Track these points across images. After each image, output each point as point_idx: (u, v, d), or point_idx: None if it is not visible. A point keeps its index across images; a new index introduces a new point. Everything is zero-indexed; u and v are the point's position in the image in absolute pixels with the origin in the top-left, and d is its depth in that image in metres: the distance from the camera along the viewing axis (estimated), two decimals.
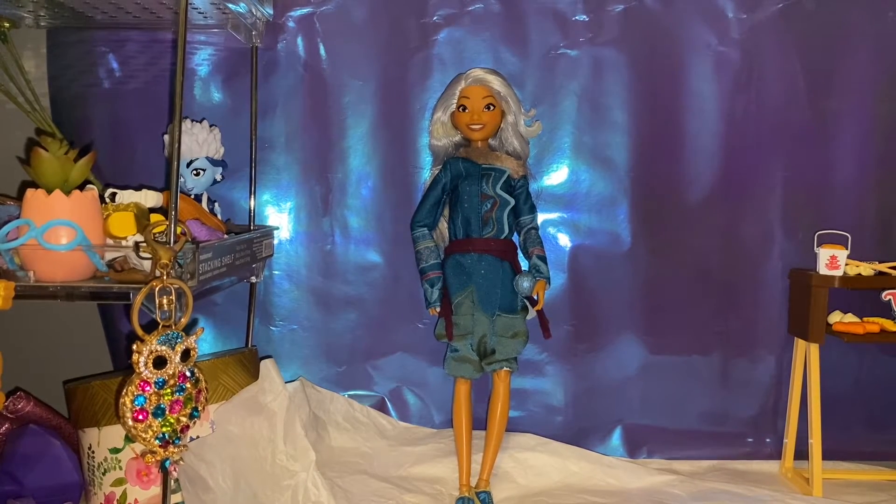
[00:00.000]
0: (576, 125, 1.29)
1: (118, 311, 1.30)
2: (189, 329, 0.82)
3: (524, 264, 1.23)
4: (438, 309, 1.20)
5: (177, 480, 0.97)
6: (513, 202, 1.20)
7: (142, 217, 0.90)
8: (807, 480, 1.23)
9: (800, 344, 1.26)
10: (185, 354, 0.81)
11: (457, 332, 1.18)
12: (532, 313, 1.20)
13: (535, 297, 1.19)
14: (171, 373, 0.79)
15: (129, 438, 1.00)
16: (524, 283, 1.17)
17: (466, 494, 1.18)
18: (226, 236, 1.05)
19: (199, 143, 1.14)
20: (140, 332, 0.77)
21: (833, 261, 1.20)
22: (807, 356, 1.23)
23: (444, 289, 1.20)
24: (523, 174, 1.22)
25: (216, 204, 1.20)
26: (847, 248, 1.20)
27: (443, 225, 1.25)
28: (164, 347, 0.78)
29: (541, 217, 1.28)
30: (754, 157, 1.29)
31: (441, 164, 1.23)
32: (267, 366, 1.11)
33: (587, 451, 1.28)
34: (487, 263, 1.18)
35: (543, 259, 1.21)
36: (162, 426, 0.79)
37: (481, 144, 1.22)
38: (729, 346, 1.32)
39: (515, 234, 1.23)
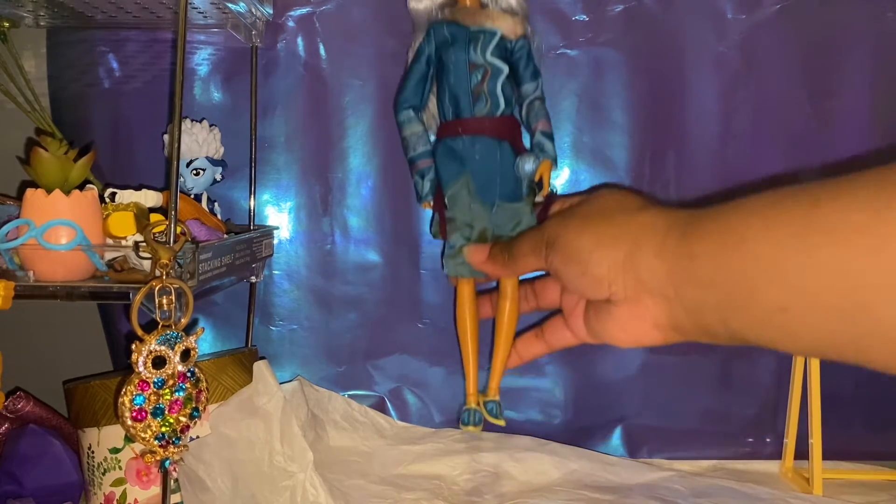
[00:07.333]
0: (576, 125, 1.28)
1: (118, 311, 1.30)
2: (189, 329, 0.82)
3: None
4: (431, 202, 1.05)
5: (177, 480, 0.97)
6: (506, 70, 1.00)
7: (142, 217, 0.90)
8: (807, 480, 1.23)
9: None
10: (185, 354, 0.81)
11: (453, 228, 1.01)
12: (539, 199, 1.03)
13: (541, 181, 1.01)
14: (170, 373, 0.79)
15: (129, 438, 1.00)
16: (526, 166, 0.99)
17: (474, 405, 1.02)
18: (226, 236, 1.04)
19: (198, 142, 1.14)
20: (139, 331, 0.77)
21: None
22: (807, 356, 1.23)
23: (437, 179, 1.04)
24: (522, 34, 1.01)
25: (216, 204, 1.20)
26: None
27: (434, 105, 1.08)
28: (163, 347, 0.78)
29: None
30: (754, 156, 1.28)
31: (425, 32, 1.04)
32: (260, 367, 1.10)
33: (587, 451, 1.28)
34: (483, 146, 0.99)
35: (549, 135, 1.03)
36: (161, 426, 0.79)
37: (470, 2, 1.01)
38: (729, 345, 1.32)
39: (517, 107, 1.05)
